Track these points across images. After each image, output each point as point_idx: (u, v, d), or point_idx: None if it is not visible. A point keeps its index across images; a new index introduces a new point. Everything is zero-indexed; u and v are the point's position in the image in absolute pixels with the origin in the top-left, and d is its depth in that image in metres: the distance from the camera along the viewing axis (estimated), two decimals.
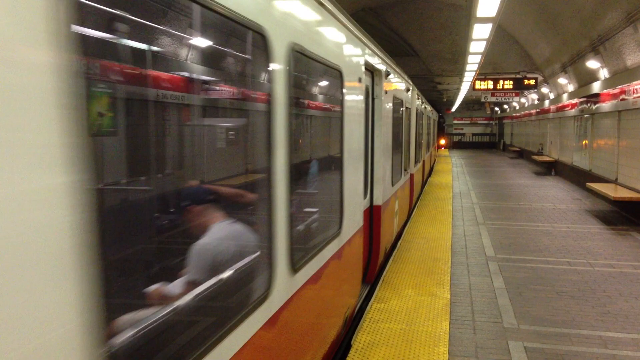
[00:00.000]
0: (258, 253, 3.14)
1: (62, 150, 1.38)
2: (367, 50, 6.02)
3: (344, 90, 4.74)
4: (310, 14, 3.68)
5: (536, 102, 29.36)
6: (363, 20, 19.92)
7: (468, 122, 55.18)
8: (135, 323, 2.13)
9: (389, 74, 7.67)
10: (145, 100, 3.42)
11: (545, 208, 14.27)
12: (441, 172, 24.59)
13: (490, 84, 24.17)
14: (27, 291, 1.28)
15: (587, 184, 14.99)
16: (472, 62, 15.78)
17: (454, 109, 48.45)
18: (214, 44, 3.38)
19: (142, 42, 3.05)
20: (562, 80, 20.92)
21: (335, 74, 4.49)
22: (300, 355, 3.64)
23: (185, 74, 3.94)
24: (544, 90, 25.36)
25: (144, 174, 3.67)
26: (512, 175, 24.31)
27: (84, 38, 1.51)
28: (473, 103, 48.05)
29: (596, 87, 16.27)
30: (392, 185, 8.35)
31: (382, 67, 7.14)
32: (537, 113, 29.36)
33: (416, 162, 14.16)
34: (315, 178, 4.83)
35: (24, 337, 1.28)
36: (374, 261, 7.19)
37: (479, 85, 24.20)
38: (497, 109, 48.25)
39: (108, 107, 2.51)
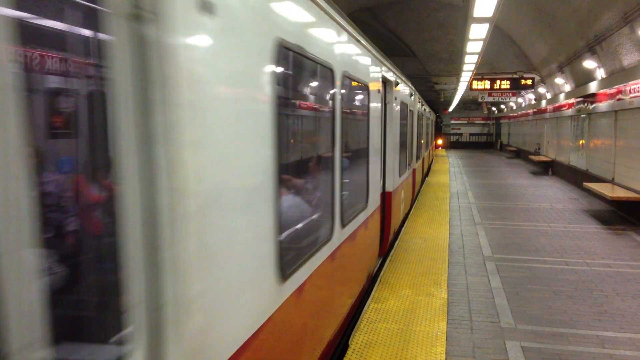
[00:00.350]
0: (326, 213, 4.73)
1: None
2: (383, 67, 7.66)
3: (370, 99, 6.46)
4: (353, 50, 5.44)
5: (533, 102, 29.40)
6: (360, 21, 19.92)
7: (465, 122, 55.24)
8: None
9: (398, 84, 9.37)
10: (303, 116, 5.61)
11: (543, 208, 14.29)
12: (439, 172, 24.61)
13: (487, 84, 24.17)
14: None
15: (584, 183, 15.02)
16: (469, 62, 15.79)
17: (451, 109, 48.46)
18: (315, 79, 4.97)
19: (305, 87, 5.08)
20: (559, 80, 20.95)
21: (365, 88, 6.22)
22: (349, 279, 5.66)
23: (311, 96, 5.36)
24: (541, 90, 25.40)
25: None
26: (509, 175, 24.34)
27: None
28: (470, 103, 48.09)
29: (593, 87, 16.30)
30: (400, 176, 10.21)
31: (393, 78, 8.73)
32: (534, 113, 29.40)
33: (417, 158, 15.82)
34: (356, 163, 6.39)
35: None
36: (386, 237, 8.80)
37: (476, 85, 24.20)
38: (494, 109, 48.29)
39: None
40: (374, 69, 6.73)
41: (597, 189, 13.37)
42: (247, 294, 2.64)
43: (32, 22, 3.07)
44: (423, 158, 19.75)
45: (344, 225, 4.98)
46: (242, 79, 2.57)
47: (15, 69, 1.40)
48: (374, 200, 6.90)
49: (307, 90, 5.06)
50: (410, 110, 12.44)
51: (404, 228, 11.05)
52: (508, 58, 23.67)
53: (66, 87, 3.82)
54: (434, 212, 13.26)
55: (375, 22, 21.68)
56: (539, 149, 28.50)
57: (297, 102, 5.25)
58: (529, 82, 23.54)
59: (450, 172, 25.16)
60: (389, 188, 8.73)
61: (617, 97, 14.11)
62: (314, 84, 5.09)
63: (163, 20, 1.83)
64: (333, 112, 4.62)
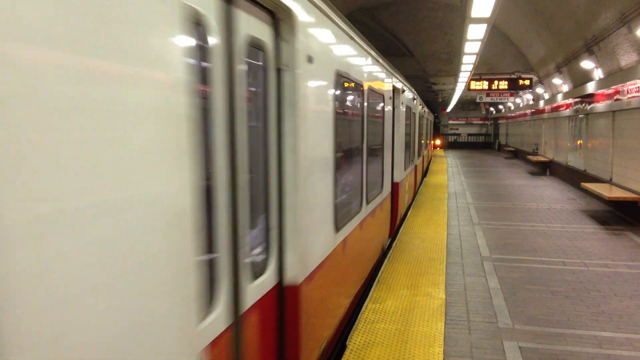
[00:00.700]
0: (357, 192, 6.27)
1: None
2: (394, 79, 9.43)
3: (385, 105, 8.42)
4: (375, 68, 7.31)
5: (531, 102, 29.44)
6: (358, 21, 19.94)
7: (463, 122, 55.30)
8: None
9: (404, 91, 11.05)
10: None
11: (540, 208, 14.31)
12: (437, 172, 24.62)
13: (485, 84, 24.24)
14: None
15: (582, 184, 15.04)
16: (467, 63, 15.82)
17: (449, 109, 48.52)
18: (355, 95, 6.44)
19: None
20: (556, 81, 20.98)
21: (381, 97, 8.08)
22: (370, 248, 7.15)
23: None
24: (539, 90, 25.44)
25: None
26: (507, 175, 24.37)
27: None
28: (468, 103, 48.18)
29: (590, 87, 16.33)
30: (405, 170, 11.55)
31: (400, 86, 10.39)
32: (532, 113, 29.44)
33: (418, 156, 17.45)
34: (376, 155, 7.91)
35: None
36: (394, 221, 10.14)
37: (474, 85, 24.26)
38: (492, 109, 48.37)
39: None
40: (387, 80, 8.68)
41: (595, 189, 13.39)
42: (322, 233, 4.29)
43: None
44: (423, 156, 21.15)
45: (368, 202, 6.79)
46: (322, 98, 4.26)
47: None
48: (387, 187, 8.83)
49: (349, 101, 6.52)
50: (413, 112, 14.24)
51: (402, 228, 11.07)
52: (506, 58, 23.72)
53: (250, 107, 5.51)
54: (432, 212, 13.26)
55: (374, 22, 21.71)
56: (537, 149, 28.54)
57: (344, 109, 6.42)
58: (527, 82, 23.61)
59: (449, 172, 25.18)
60: (397, 179, 10.32)
61: (615, 97, 14.14)
62: (353, 96, 6.65)
63: (292, 69, 3.40)
64: (362, 116, 6.49)
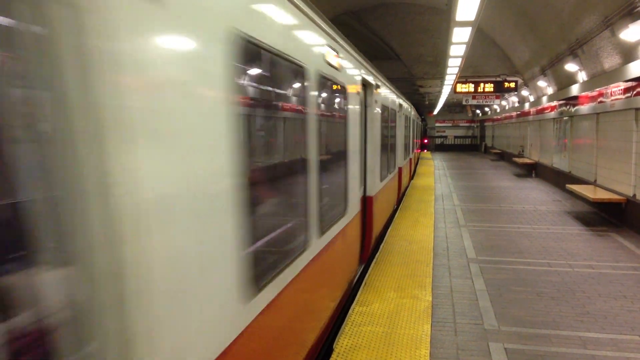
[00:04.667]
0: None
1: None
2: (362, 70, 7.55)
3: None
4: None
5: (516, 104, 29.67)
6: (345, 24, 19.98)
7: (450, 124, 55.58)
8: None
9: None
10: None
11: (526, 210, 14.41)
12: (423, 175, 24.71)
13: (471, 87, 24.35)
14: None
15: (567, 185, 15.16)
16: (453, 66, 15.89)
17: (436, 111, 48.78)
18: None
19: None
20: (541, 83, 21.16)
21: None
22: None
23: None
24: (524, 93, 25.64)
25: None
26: (493, 177, 24.52)
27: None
28: (455, 106, 48.51)
29: (575, 89, 16.48)
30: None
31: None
32: (518, 116, 29.67)
33: (405, 157, 16.65)
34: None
35: None
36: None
37: (460, 88, 24.37)
38: (478, 111, 48.68)
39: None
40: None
41: (580, 191, 13.51)
42: (377, 178, 7.64)
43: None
44: (410, 159, 20.54)
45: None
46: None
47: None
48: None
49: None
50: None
51: (389, 230, 11.07)
52: (492, 61, 23.89)
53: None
54: (419, 214, 13.30)
55: (360, 25, 21.77)
56: (523, 151, 28.75)
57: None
58: (512, 85, 23.76)
59: (435, 174, 25.28)
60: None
61: (599, 99, 14.29)
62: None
63: (370, 107, 8.27)
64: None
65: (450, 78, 19.97)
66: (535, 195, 17.60)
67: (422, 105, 43.19)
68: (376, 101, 8.96)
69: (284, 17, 3.55)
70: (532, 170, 24.52)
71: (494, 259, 9.11)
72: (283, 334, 3.60)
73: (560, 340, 5.68)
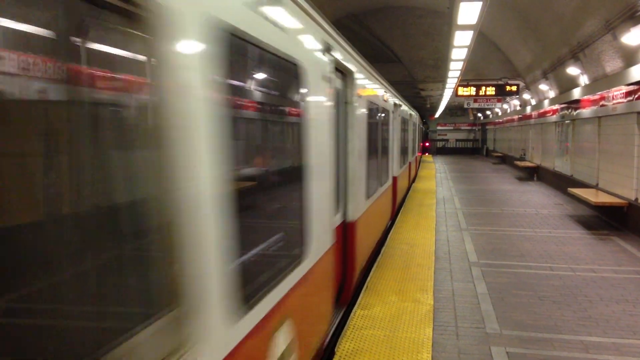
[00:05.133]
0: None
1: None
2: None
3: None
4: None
5: (518, 108, 29.66)
6: (346, 27, 20.01)
7: (451, 128, 55.55)
8: None
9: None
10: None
11: (528, 213, 14.39)
12: (425, 178, 24.70)
13: (472, 90, 24.36)
14: None
15: (569, 189, 15.15)
16: (454, 69, 15.91)
17: (437, 115, 48.76)
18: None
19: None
20: (543, 87, 21.16)
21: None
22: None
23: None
24: (526, 96, 25.64)
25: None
26: (495, 180, 24.50)
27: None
28: (456, 109, 48.46)
29: (576, 93, 16.48)
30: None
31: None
32: (519, 119, 29.67)
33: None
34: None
35: None
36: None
37: (462, 91, 24.38)
38: (479, 115, 48.66)
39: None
40: (390, 99, 6.31)
41: (582, 195, 13.50)
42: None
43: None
44: (410, 162, 19.55)
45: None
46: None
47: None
48: (390, 178, 7.16)
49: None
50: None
51: (390, 234, 11.06)
52: (493, 64, 23.89)
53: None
54: (420, 218, 13.29)
55: (362, 28, 21.81)
56: (524, 154, 28.74)
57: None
58: (514, 88, 23.77)
59: (437, 177, 25.27)
60: (395, 174, 7.95)
61: (601, 103, 14.28)
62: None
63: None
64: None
65: (451, 81, 19.98)
66: (537, 199, 17.59)
67: (424, 108, 43.15)
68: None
69: None
70: (534, 174, 24.50)
71: (495, 262, 9.09)
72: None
73: (562, 344, 5.66)
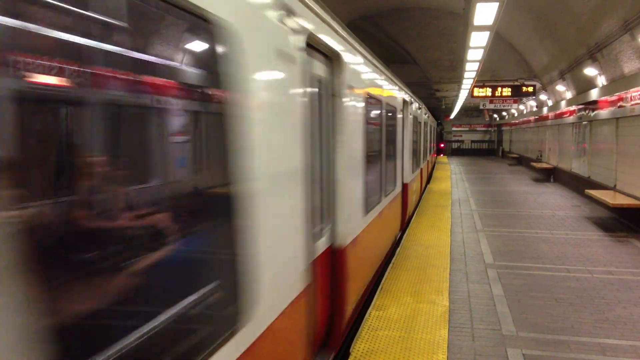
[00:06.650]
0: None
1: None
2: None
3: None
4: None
5: (534, 109, 29.43)
6: (361, 29, 20.01)
7: (467, 129, 55.25)
8: None
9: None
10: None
11: (544, 215, 14.28)
12: (440, 179, 24.61)
13: (488, 91, 24.21)
14: None
15: (586, 190, 15.01)
16: (470, 70, 15.85)
17: (452, 115, 48.53)
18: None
19: None
20: (560, 88, 20.98)
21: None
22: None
23: None
24: (542, 97, 25.43)
25: None
26: (510, 182, 24.33)
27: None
28: (472, 110, 48.12)
29: (594, 94, 16.33)
30: (412, 172, 13.07)
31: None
32: (536, 120, 29.43)
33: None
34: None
35: None
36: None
37: (478, 92, 24.24)
38: (495, 116, 48.34)
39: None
40: (398, 94, 9.52)
41: (599, 196, 13.37)
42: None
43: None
44: (428, 161, 21.71)
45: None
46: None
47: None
48: (399, 185, 10.28)
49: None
50: (419, 121, 14.94)
51: (405, 235, 11.06)
52: (509, 65, 23.73)
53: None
54: (435, 219, 13.25)
55: (376, 29, 21.79)
56: (541, 156, 28.50)
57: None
58: (530, 89, 23.60)
59: (452, 179, 25.17)
60: (406, 180, 11.18)
61: (618, 104, 14.13)
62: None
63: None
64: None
65: (467, 82, 19.90)
66: (554, 201, 17.45)
67: (439, 109, 42.97)
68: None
69: None
70: (551, 175, 24.28)
71: (511, 264, 9.05)
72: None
73: (578, 347, 5.63)
